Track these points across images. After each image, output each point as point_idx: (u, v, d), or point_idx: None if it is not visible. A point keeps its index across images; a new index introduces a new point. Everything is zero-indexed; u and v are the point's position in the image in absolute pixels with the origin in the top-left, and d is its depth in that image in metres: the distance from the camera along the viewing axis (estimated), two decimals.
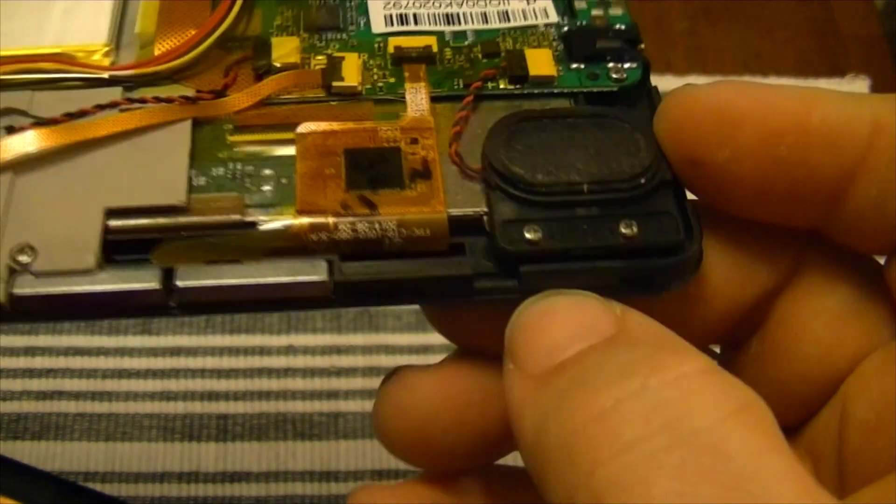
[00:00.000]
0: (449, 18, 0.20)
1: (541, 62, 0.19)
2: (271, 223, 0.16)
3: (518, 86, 0.19)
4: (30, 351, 0.37)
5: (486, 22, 0.20)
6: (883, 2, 0.55)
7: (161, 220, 0.16)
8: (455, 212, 0.17)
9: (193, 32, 0.19)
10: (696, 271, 0.17)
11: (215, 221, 0.16)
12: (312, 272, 0.16)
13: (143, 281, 0.16)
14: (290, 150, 0.17)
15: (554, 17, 0.20)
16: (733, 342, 0.20)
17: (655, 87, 0.19)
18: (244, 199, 0.17)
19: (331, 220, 0.16)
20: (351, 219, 0.16)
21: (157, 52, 0.19)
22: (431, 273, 0.17)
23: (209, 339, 0.38)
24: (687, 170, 0.17)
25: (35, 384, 0.36)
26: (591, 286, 0.16)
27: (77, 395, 0.36)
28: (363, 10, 0.20)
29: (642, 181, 0.17)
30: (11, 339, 0.38)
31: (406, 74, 0.19)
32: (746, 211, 0.18)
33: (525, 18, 0.20)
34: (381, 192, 0.17)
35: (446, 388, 0.19)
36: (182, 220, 0.16)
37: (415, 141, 0.18)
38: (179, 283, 0.16)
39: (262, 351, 0.38)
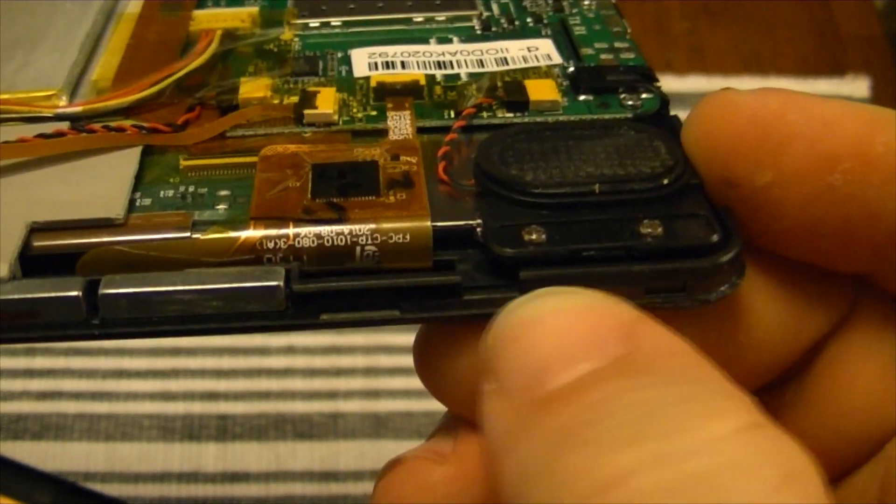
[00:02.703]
0: (441, 64, 0.18)
1: (543, 89, 0.17)
2: (219, 233, 0.14)
3: (517, 114, 0.17)
4: (30, 351, 0.37)
5: (483, 66, 0.18)
6: (883, 2, 0.55)
7: (93, 237, 0.14)
8: (442, 223, 0.14)
9: (152, 77, 0.18)
10: (740, 281, 0.14)
11: (156, 239, 0.14)
12: (265, 278, 0.14)
13: (59, 288, 0.13)
14: (251, 173, 0.15)
15: (558, 60, 0.18)
16: (766, 386, 0.16)
17: (676, 117, 0.16)
18: (193, 216, 0.14)
19: (291, 226, 0.14)
20: (315, 225, 0.14)
21: (111, 94, 0.18)
22: (410, 281, 0.14)
23: (209, 340, 0.38)
24: (719, 191, 0.14)
25: (35, 384, 0.36)
26: None
27: (77, 395, 0.36)
28: (345, 61, 0.19)
29: (665, 182, 0.14)
30: None
31: (389, 105, 0.17)
32: (787, 248, 0.15)
33: (526, 62, 0.18)
34: (351, 199, 0.14)
35: (468, 486, 0.16)
36: (118, 237, 0.14)
37: (395, 157, 0.15)
38: (105, 291, 0.13)
39: (262, 351, 0.38)
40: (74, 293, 0.13)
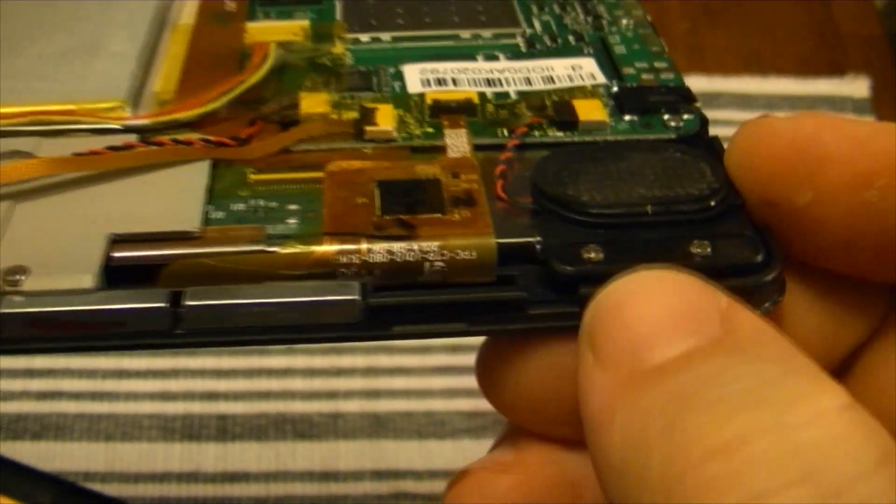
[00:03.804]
0: (490, 82, 0.19)
1: (591, 109, 0.18)
2: (295, 248, 0.15)
3: (567, 132, 0.17)
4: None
5: (530, 84, 0.19)
6: (883, 2, 0.55)
7: (172, 249, 0.15)
8: (503, 240, 0.15)
9: (214, 90, 0.18)
10: (781, 298, 0.15)
11: (233, 251, 0.15)
12: (342, 292, 0.14)
13: (146, 300, 0.14)
14: (318, 187, 0.16)
15: (602, 80, 0.19)
16: None
17: (716, 137, 0.17)
18: (266, 230, 0.15)
19: (363, 242, 0.15)
20: (386, 241, 0.15)
21: (176, 106, 0.18)
22: (478, 296, 0.15)
23: None
24: (761, 212, 0.15)
25: (35, 384, 0.36)
26: None
27: (77, 395, 0.36)
28: (398, 76, 0.19)
29: (712, 203, 0.15)
30: None
31: (445, 123, 0.18)
32: (827, 262, 0.16)
33: (571, 81, 0.19)
34: (419, 217, 0.15)
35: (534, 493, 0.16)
36: (196, 249, 0.15)
37: (456, 175, 0.16)
38: (189, 303, 0.14)
39: (262, 351, 0.38)
40: (161, 304, 0.14)
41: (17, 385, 0.36)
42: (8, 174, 0.15)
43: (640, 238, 0.15)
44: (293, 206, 0.16)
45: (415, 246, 0.15)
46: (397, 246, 0.15)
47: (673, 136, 0.18)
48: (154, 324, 0.14)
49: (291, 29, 0.20)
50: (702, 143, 0.17)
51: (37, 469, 0.25)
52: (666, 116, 0.18)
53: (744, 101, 0.48)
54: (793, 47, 0.52)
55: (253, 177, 0.16)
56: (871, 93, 0.49)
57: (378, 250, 0.14)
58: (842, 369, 0.16)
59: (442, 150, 0.17)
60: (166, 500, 0.34)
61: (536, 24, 0.21)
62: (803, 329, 0.16)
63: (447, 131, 0.17)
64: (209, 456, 0.35)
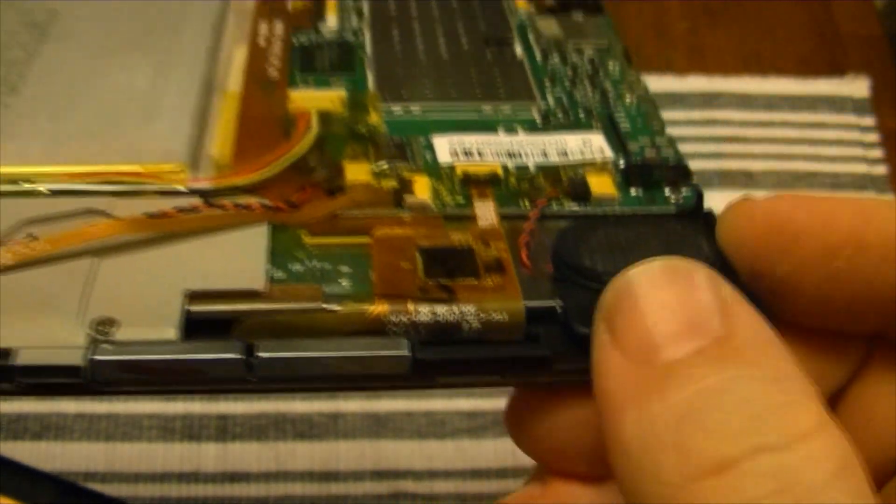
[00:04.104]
0: (511, 154, 0.21)
1: (602, 183, 0.20)
2: (351, 307, 0.17)
3: (581, 205, 0.20)
4: None
5: (546, 157, 0.21)
6: (883, 2, 0.55)
7: (241, 305, 0.17)
8: (530, 304, 0.17)
9: (267, 157, 0.20)
10: None
11: (294, 308, 0.17)
12: (393, 347, 0.16)
13: (224, 351, 0.16)
14: (365, 251, 0.18)
15: (610, 154, 0.21)
16: None
17: (711, 210, 0.19)
18: (323, 289, 0.17)
19: (410, 304, 0.17)
20: (430, 303, 0.17)
21: (233, 171, 0.20)
22: (510, 354, 0.17)
23: None
24: (750, 281, 0.17)
25: None
26: None
27: (77, 395, 0.36)
28: (428, 147, 0.21)
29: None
30: None
31: (474, 193, 0.20)
32: (807, 319, 0.18)
33: (583, 154, 0.21)
34: (457, 282, 0.17)
35: None
36: (261, 305, 0.17)
37: (486, 243, 0.18)
38: (261, 355, 0.16)
39: None
40: (236, 356, 0.16)
41: None
42: (93, 233, 0.17)
43: None
44: (345, 268, 0.18)
45: (455, 308, 0.17)
46: (440, 308, 0.17)
47: (673, 209, 0.20)
48: (230, 372, 0.16)
49: (330, 98, 0.22)
50: (699, 217, 0.19)
51: (37, 469, 0.25)
52: (667, 191, 0.20)
53: (744, 101, 0.48)
54: (793, 47, 0.52)
55: (307, 240, 0.18)
56: (871, 93, 0.49)
57: (423, 311, 0.17)
58: (830, 406, 0.18)
59: (472, 218, 0.19)
60: (166, 500, 0.34)
61: (550, 99, 0.23)
62: None
63: (476, 202, 0.20)
64: (209, 456, 0.35)
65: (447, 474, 0.35)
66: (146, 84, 0.22)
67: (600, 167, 0.21)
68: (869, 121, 0.48)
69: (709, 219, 0.19)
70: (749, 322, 0.15)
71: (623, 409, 0.14)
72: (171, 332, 0.16)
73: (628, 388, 0.14)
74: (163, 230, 0.18)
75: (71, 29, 0.24)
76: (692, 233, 0.18)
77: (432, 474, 0.35)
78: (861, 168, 0.46)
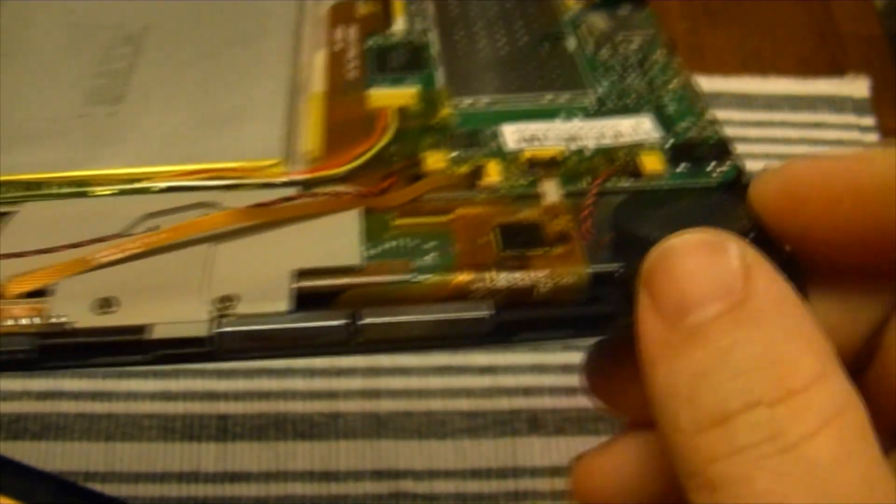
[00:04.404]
0: (570, 138, 0.23)
1: (652, 161, 0.22)
2: (437, 278, 0.19)
3: (634, 181, 0.22)
4: None
5: (602, 139, 0.23)
6: (883, 2, 0.55)
7: (341, 280, 0.19)
8: (593, 268, 0.19)
9: (355, 150, 0.23)
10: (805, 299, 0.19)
11: (387, 280, 0.19)
12: (478, 310, 0.19)
13: (332, 319, 0.18)
14: (446, 229, 0.21)
15: (658, 135, 0.23)
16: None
17: (748, 183, 0.21)
18: (412, 264, 0.19)
19: (490, 272, 0.19)
20: (507, 272, 0.19)
21: (325, 164, 0.22)
22: (577, 313, 0.19)
23: None
24: (788, 242, 0.19)
25: (35, 384, 0.37)
26: None
27: (77, 395, 0.36)
28: (496, 135, 0.23)
29: (752, 236, 0.19)
30: None
31: (540, 174, 0.22)
32: (834, 263, 0.19)
33: (635, 137, 0.23)
34: (530, 252, 0.20)
35: (618, 468, 0.22)
36: (359, 279, 0.19)
37: (552, 218, 0.21)
38: (365, 320, 0.18)
39: None
40: (343, 322, 0.18)
41: (17, 385, 0.37)
42: (208, 223, 0.20)
43: None
44: (429, 244, 0.20)
45: (528, 275, 0.19)
46: (515, 275, 0.19)
47: (715, 183, 0.22)
48: (337, 336, 0.18)
49: (405, 95, 0.25)
50: (739, 189, 0.21)
51: (37, 469, 0.25)
52: (710, 166, 0.22)
53: (744, 101, 0.48)
54: (793, 47, 0.52)
55: (394, 221, 0.21)
56: (871, 93, 0.49)
57: (501, 278, 0.19)
58: (865, 357, 0.20)
59: (538, 197, 0.21)
60: (166, 500, 0.34)
61: (603, 87, 0.25)
62: (825, 324, 0.18)
63: (541, 182, 0.22)
64: (209, 456, 0.35)
65: (447, 474, 0.35)
66: (238, 90, 0.25)
67: (650, 147, 0.23)
68: (869, 121, 0.48)
69: (747, 189, 0.21)
70: (767, 285, 0.16)
71: (655, 363, 0.16)
72: (283, 305, 0.18)
73: (660, 344, 0.16)
74: (268, 218, 0.20)
75: (162, 42, 0.27)
76: (733, 204, 0.20)
77: (432, 474, 0.35)
78: None
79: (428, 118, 0.24)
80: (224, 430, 0.36)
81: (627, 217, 0.20)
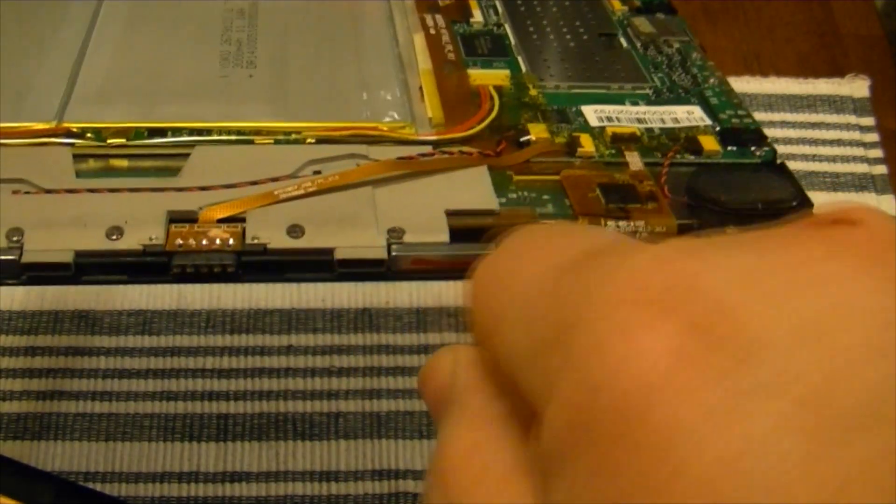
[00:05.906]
0: (640, 120, 0.28)
1: (709, 142, 0.27)
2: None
3: (696, 157, 0.27)
4: (30, 351, 0.37)
5: (664, 123, 0.28)
6: (883, 2, 0.55)
7: (485, 220, 0.24)
8: (679, 221, 0.24)
9: (472, 119, 0.27)
10: None
11: (518, 222, 0.23)
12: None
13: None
14: (556, 185, 0.25)
15: (708, 121, 0.28)
16: None
17: (784, 162, 0.27)
18: (535, 212, 0.24)
19: (601, 220, 0.24)
20: (614, 220, 0.24)
21: (448, 129, 0.27)
22: None
23: (209, 339, 0.38)
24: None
25: (35, 384, 0.37)
26: None
27: (77, 395, 0.36)
28: (579, 114, 0.28)
29: (794, 203, 0.25)
30: (12, 338, 0.38)
31: (623, 147, 0.27)
32: None
33: (690, 122, 0.28)
34: (629, 206, 0.24)
35: None
36: (498, 220, 0.23)
37: (640, 181, 0.25)
38: None
39: (262, 351, 0.38)
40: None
41: (17, 385, 0.36)
42: (368, 171, 0.24)
43: (755, 224, 0.21)
44: (546, 197, 0.25)
45: (630, 224, 0.24)
46: (621, 223, 0.24)
47: (759, 161, 0.27)
48: None
49: (498, 76, 0.29)
50: (775, 167, 0.27)
51: (37, 469, 0.25)
52: (752, 148, 0.27)
53: (744, 101, 0.48)
54: (793, 47, 0.52)
55: (516, 178, 0.25)
56: (871, 93, 0.49)
57: (611, 224, 0.23)
58: None
59: (624, 164, 0.26)
60: (166, 500, 0.34)
61: (656, 80, 0.30)
62: None
63: (626, 153, 0.27)
64: (209, 456, 0.35)
65: None
66: (352, 64, 0.29)
67: (703, 130, 0.28)
68: (869, 121, 0.48)
69: (783, 167, 0.27)
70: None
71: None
72: (444, 237, 0.23)
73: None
74: (413, 168, 0.25)
75: (272, 18, 0.31)
76: (776, 177, 0.26)
77: None
78: (861, 168, 0.46)
79: (521, 97, 0.29)
80: (224, 430, 0.36)
81: (702, 183, 0.25)
